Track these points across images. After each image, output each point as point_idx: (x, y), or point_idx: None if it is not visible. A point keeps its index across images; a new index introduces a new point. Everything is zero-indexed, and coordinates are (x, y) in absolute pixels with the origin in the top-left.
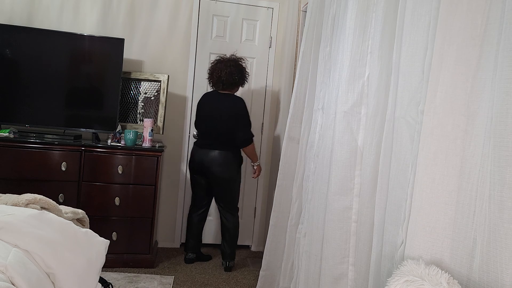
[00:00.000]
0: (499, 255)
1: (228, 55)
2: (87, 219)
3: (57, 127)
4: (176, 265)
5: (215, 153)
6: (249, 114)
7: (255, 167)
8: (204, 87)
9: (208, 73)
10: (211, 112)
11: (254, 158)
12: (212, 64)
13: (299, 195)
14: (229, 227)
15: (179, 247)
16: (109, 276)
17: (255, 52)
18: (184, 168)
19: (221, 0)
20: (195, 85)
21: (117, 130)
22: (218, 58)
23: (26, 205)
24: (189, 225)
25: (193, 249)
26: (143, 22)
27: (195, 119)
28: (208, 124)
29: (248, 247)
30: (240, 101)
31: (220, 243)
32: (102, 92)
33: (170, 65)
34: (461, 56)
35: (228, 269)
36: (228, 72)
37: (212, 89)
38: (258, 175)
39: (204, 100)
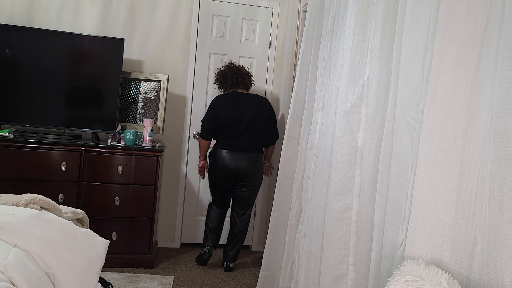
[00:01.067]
0: (499, 255)
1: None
2: (87, 219)
3: (57, 127)
4: (176, 265)
5: (252, 156)
6: None
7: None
8: (204, 87)
9: (221, 76)
10: (242, 113)
11: (271, 156)
12: (223, 68)
13: (299, 195)
14: (240, 229)
15: (179, 247)
16: (109, 276)
17: (255, 52)
18: (184, 168)
19: (221, 0)
20: (195, 85)
21: (117, 130)
22: (227, 63)
23: (26, 205)
24: (210, 218)
25: (212, 242)
26: (143, 22)
27: (210, 122)
28: (240, 125)
29: (248, 247)
30: (267, 100)
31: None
32: (102, 92)
33: (170, 65)
34: (461, 56)
35: (228, 269)
36: (245, 73)
37: (224, 92)
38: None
39: (225, 102)
